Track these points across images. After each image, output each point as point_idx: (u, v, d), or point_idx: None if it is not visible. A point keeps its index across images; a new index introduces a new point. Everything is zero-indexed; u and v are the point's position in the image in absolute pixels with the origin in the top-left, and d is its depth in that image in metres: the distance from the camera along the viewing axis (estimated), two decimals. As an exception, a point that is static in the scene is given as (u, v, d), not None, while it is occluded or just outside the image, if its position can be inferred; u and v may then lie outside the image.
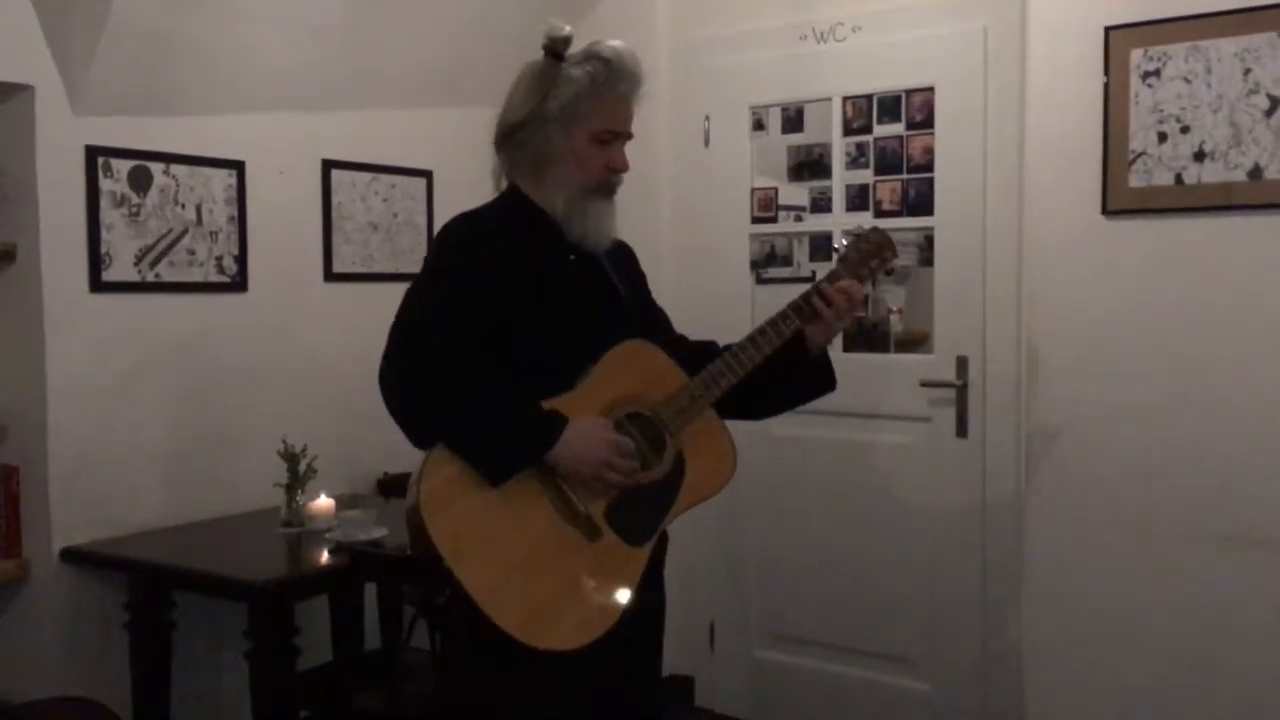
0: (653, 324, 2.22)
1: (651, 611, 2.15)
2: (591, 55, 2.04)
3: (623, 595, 1.97)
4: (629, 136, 2.10)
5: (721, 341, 2.23)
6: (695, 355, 2.16)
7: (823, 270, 3.79)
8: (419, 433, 1.96)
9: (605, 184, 2.09)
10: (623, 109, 2.08)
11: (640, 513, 2.01)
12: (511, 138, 2.07)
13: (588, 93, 2.02)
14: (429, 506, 1.88)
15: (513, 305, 1.99)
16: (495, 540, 1.90)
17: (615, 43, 2.08)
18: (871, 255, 2.19)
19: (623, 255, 2.22)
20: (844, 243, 2.22)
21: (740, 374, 2.09)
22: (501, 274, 2.00)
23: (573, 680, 1.97)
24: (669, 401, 2.06)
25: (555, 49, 2.05)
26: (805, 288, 2.16)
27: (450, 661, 2.18)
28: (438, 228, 4.04)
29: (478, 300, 1.97)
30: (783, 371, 2.13)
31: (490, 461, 1.92)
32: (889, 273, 2.22)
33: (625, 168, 2.10)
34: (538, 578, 1.91)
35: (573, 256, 2.09)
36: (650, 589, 2.08)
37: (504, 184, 2.15)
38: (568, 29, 2.07)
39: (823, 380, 2.21)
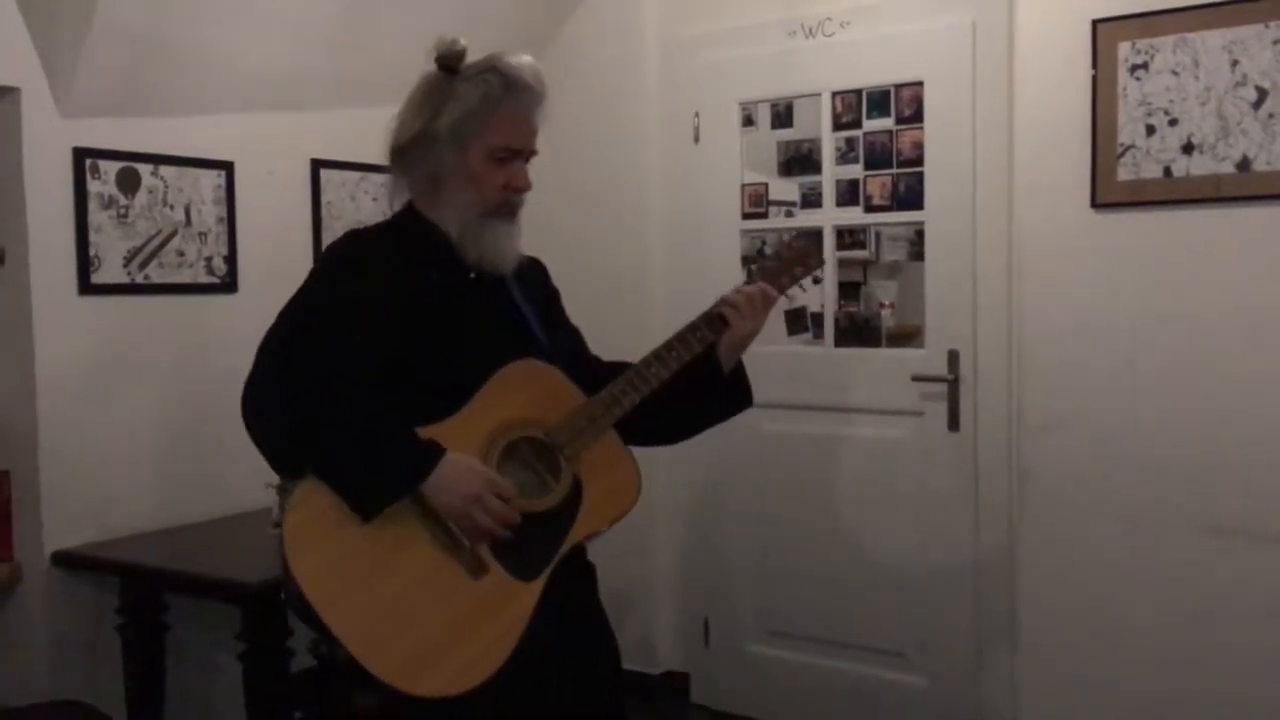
0: (563, 345, 2.11)
1: (577, 644, 2.02)
2: (486, 69, 1.93)
3: (513, 633, 1.83)
4: (531, 154, 1.99)
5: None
6: (609, 375, 2.03)
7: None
8: (283, 461, 1.87)
9: (505, 204, 1.97)
10: (521, 125, 1.96)
11: (531, 545, 1.88)
12: (403, 157, 1.98)
13: (480, 109, 1.91)
14: (294, 545, 1.77)
15: (402, 330, 1.88)
16: (369, 580, 1.79)
17: (515, 55, 1.96)
18: (795, 263, 2.12)
19: (532, 273, 2.13)
20: (771, 251, 2.17)
21: (644, 391, 1.97)
22: (389, 297, 1.89)
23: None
24: (564, 424, 1.94)
25: (447, 63, 1.94)
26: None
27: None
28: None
29: (357, 324, 1.87)
30: (695, 389, 2.03)
31: (359, 494, 1.79)
32: (817, 280, 2.18)
33: (526, 186, 1.99)
34: (416, 619, 1.79)
35: (472, 275, 1.98)
36: (557, 623, 1.92)
37: (398, 204, 2.04)
38: (462, 41, 1.95)
39: (738, 396, 2.10)
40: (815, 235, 2.16)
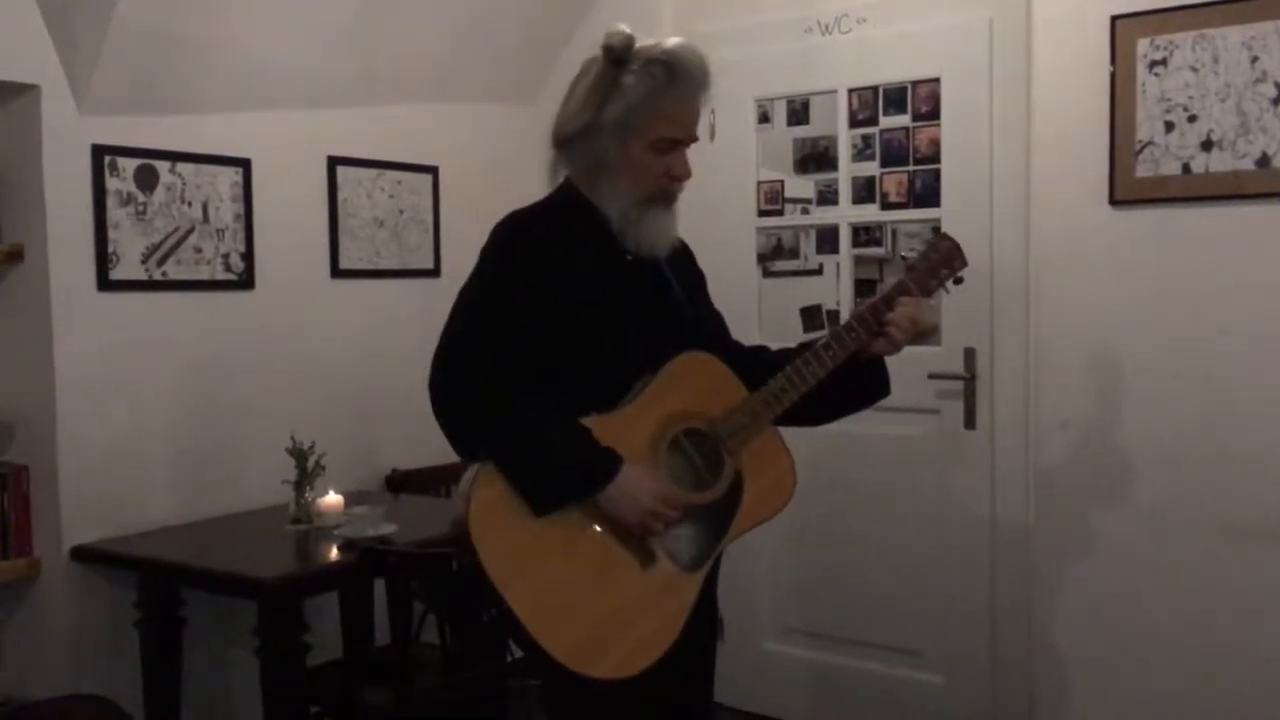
0: (709, 328, 2.17)
1: (705, 634, 2.12)
2: (651, 60, 1.93)
3: (676, 622, 1.92)
4: (692, 140, 2.02)
5: (774, 345, 2.21)
6: (749, 361, 2.10)
7: (829, 264, 3.81)
8: (466, 449, 1.93)
9: (664, 192, 2.02)
10: (683, 115, 1.98)
11: (696, 536, 1.96)
12: (566, 144, 2.00)
13: (645, 102, 1.92)
14: (479, 523, 1.84)
15: (563, 310, 1.92)
16: (546, 563, 1.86)
17: (677, 43, 1.96)
18: (941, 265, 2.09)
19: (681, 255, 2.16)
20: (913, 252, 2.15)
21: (803, 390, 2.02)
22: (553, 277, 1.93)
23: (622, 705, 1.93)
24: (728, 418, 2.00)
25: (614, 55, 1.94)
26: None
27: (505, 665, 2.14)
28: (444, 223, 4.10)
29: (528, 308, 1.91)
30: (841, 379, 2.06)
31: (536, 494, 1.87)
32: (958, 281, 2.12)
33: (687, 175, 2.02)
34: (588, 603, 1.87)
35: (629, 257, 2.02)
36: (703, 612, 2.01)
37: (560, 178, 2.07)
38: (625, 31, 1.95)
39: (879, 388, 2.15)
40: (949, 236, 2.12)
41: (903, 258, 2.19)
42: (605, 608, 1.88)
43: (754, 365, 2.08)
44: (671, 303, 2.07)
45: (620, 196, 1.98)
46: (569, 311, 1.93)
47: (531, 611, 1.83)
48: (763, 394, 2.02)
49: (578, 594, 1.87)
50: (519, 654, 3.32)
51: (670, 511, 1.91)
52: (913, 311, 2.05)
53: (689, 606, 1.94)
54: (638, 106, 1.93)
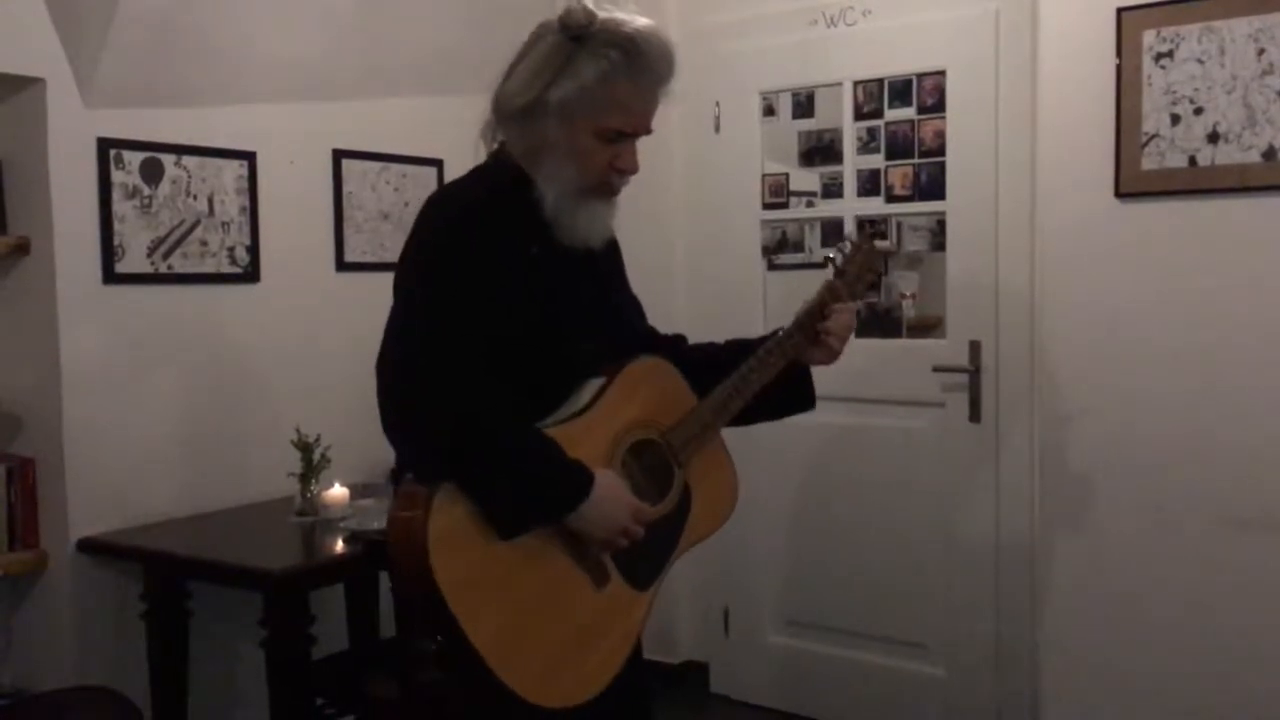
0: (636, 319, 2.08)
1: (635, 654, 2.00)
2: (610, 42, 1.76)
3: (627, 644, 1.85)
4: (644, 133, 1.85)
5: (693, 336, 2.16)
6: (667, 349, 2.03)
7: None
8: (424, 467, 1.73)
9: (606, 185, 1.86)
10: (638, 105, 1.81)
11: (646, 554, 1.86)
12: (507, 116, 1.85)
13: (597, 87, 1.76)
14: (440, 550, 1.65)
15: (514, 308, 1.79)
16: (504, 589, 1.72)
17: (641, 26, 1.80)
18: (866, 268, 2.11)
19: (607, 243, 2.02)
20: (838, 253, 2.14)
21: (747, 396, 1.96)
22: (504, 272, 1.78)
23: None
24: (680, 428, 1.92)
25: (571, 31, 1.77)
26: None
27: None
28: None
29: (487, 309, 1.75)
30: (768, 386, 2.01)
31: (508, 516, 1.71)
32: (875, 285, 2.17)
33: (633, 169, 1.86)
34: (546, 630, 1.75)
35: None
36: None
37: (492, 145, 1.92)
38: (588, 4, 1.79)
39: (804, 399, 2.12)
40: (868, 225, 2.17)
41: (828, 259, 2.16)
42: (560, 634, 1.77)
43: (675, 355, 2.01)
44: (602, 291, 1.97)
45: (559, 181, 1.82)
46: (518, 309, 1.79)
47: (493, 646, 1.69)
48: (711, 402, 1.95)
49: (534, 621, 1.74)
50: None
51: (638, 529, 1.81)
52: (849, 320, 2.03)
53: (638, 627, 1.87)
54: (588, 90, 1.76)
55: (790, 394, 2.08)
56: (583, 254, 1.90)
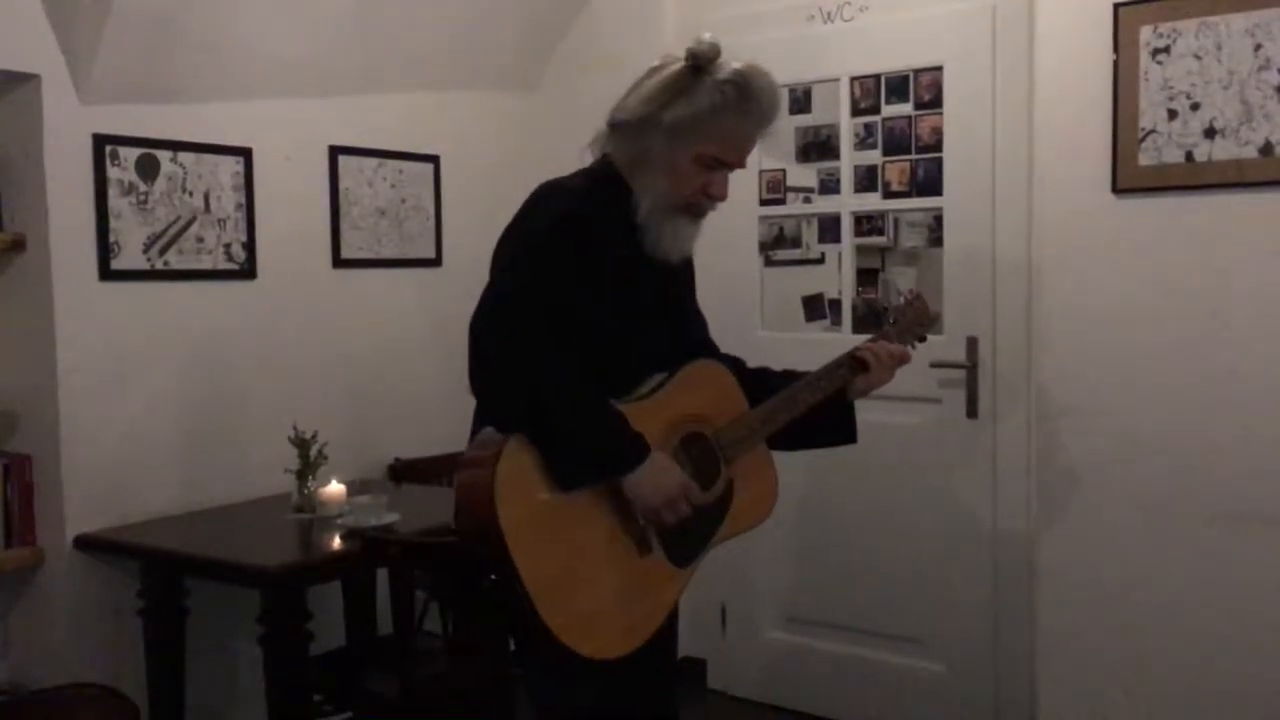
0: (698, 327, 2.23)
1: (669, 631, 2.16)
2: (728, 79, 1.95)
3: (661, 612, 1.98)
4: (739, 166, 2.05)
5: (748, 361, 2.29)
6: (731, 366, 2.19)
7: (831, 253, 3.80)
8: (497, 416, 1.90)
9: (695, 206, 2.04)
10: (739, 141, 2.01)
11: (688, 536, 2.01)
12: (619, 128, 2.02)
13: (708, 115, 1.95)
14: (505, 486, 1.82)
15: (595, 294, 1.95)
16: (557, 536, 1.87)
17: (756, 70, 1.99)
18: (915, 323, 2.33)
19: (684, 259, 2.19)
20: (895, 311, 2.38)
21: (795, 414, 2.13)
22: (592, 263, 1.94)
23: (603, 688, 1.97)
24: (730, 428, 2.08)
25: (697, 61, 1.97)
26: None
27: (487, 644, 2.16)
28: (446, 214, 4.09)
29: (572, 290, 1.92)
30: (814, 417, 2.18)
31: (568, 470, 1.88)
32: (922, 339, 2.38)
33: (723, 197, 2.05)
34: (590, 581, 1.90)
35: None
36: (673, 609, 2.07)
37: (598, 153, 2.09)
38: (715, 41, 1.99)
39: (846, 432, 2.28)
40: (919, 297, 2.45)
41: (884, 309, 2.39)
42: (601, 590, 1.91)
43: (738, 374, 2.18)
44: (676, 301, 2.15)
45: (654, 194, 1.99)
46: (600, 300, 1.95)
47: (538, 582, 1.82)
48: (759, 412, 2.11)
49: (580, 572, 1.89)
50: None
51: (686, 507, 1.95)
52: (895, 350, 2.22)
53: (674, 600, 2.01)
54: (700, 116, 1.95)
55: (834, 426, 2.25)
56: (662, 264, 2.06)
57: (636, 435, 1.91)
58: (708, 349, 2.21)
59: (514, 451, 1.84)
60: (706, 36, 1.98)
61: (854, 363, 2.20)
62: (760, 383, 2.19)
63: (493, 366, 1.88)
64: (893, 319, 2.34)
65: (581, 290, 1.92)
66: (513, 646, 2.22)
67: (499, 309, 1.89)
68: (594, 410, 1.89)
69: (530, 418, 1.85)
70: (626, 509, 1.93)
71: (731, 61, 1.98)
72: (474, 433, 1.98)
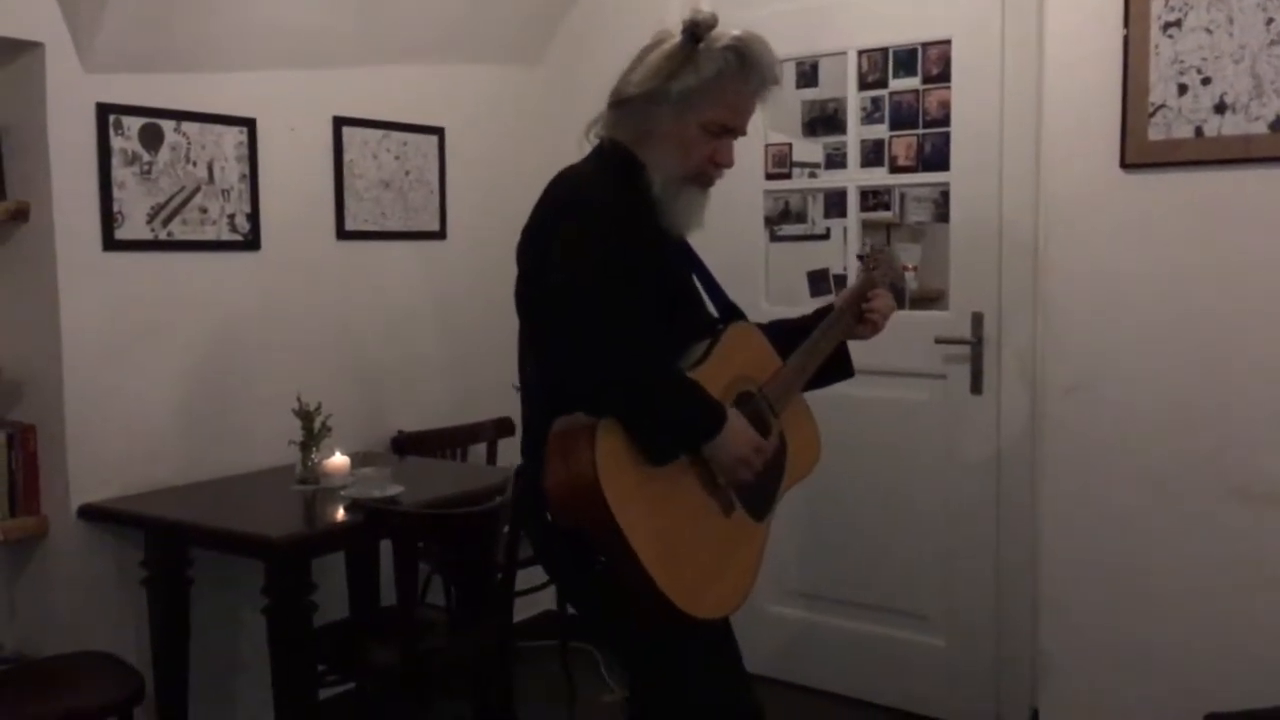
0: (721, 291, 2.29)
1: None
2: (728, 45, 2.01)
3: (754, 566, 2.09)
4: (742, 133, 2.10)
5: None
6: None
7: (837, 228, 3.78)
8: (591, 402, 1.92)
9: (703, 175, 2.09)
10: (743, 105, 2.07)
11: (760, 490, 2.11)
12: (624, 106, 2.06)
13: (713, 83, 2.01)
14: (607, 469, 1.86)
15: (646, 276, 2.00)
16: (659, 510, 1.93)
17: (752, 36, 2.05)
18: (887, 274, 2.42)
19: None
20: (864, 253, 2.46)
21: (820, 360, 2.26)
22: (638, 250, 1.99)
23: (708, 644, 2.09)
24: (771, 383, 2.18)
25: (695, 32, 2.02)
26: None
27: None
28: (450, 185, 4.05)
29: (632, 278, 1.95)
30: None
31: (661, 444, 1.94)
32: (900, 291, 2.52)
33: (729, 163, 2.10)
34: (693, 547, 1.97)
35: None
36: None
37: (595, 135, 2.13)
38: (712, 12, 2.05)
39: (845, 369, 2.41)
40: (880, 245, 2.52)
41: (859, 258, 2.44)
42: (704, 553, 1.99)
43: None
44: (701, 271, 2.24)
45: (664, 167, 2.04)
46: (650, 283, 2.01)
47: (653, 555, 1.87)
48: (794, 364, 2.23)
49: (683, 538, 1.96)
50: (521, 616, 3.34)
51: (760, 461, 2.04)
52: (890, 302, 2.35)
53: (759, 554, 2.12)
54: (705, 85, 2.00)
55: (837, 366, 2.38)
56: (676, 236, 2.15)
57: (714, 401, 1.98)
58: (733, 308, 2.27)
59: (606, 433, 1.88)
60: (705, 8, 2.04)
61: (858, 315, 2.34)
62: (779, 335, 2.28)
63: (584, 354, 1.89)
64: (873, 265, 2.42)
65: (637, 273, 1.97)
66: (598, 628, 2.33)
67: (578, 298, 1.89)
68: (681, 385, 1.96)
69: (625, 400, 1.90)
70: (708, 474, 2.00)
71: (729, 30, 2.04)
72: (527, 421, 2.09)
